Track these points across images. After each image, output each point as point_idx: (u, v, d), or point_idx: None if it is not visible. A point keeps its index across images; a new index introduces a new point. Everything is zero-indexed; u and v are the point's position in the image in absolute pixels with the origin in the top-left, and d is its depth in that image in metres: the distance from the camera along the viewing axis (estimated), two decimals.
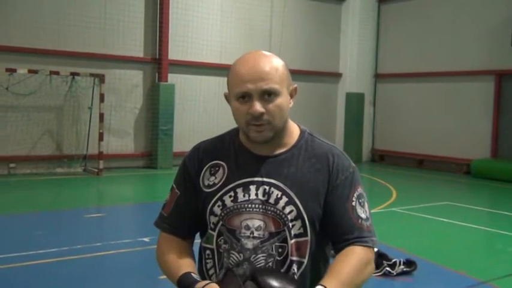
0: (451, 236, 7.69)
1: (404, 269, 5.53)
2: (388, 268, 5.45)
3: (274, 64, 1.70)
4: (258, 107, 1.65)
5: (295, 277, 1.71)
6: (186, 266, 1.74)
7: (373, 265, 1.76)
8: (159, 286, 4.91)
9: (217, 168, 1.79)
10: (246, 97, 1.67)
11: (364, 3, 16.70)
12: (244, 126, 1.71)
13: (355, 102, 16.71)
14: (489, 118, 14.27)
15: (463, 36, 14.70)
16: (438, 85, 15.39)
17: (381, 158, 16.87)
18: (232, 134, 1.85)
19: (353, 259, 1.67)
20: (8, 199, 9.48)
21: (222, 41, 14.51)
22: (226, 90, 1.77)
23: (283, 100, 1.70)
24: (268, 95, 1.66)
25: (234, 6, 14.71)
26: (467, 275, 5.69)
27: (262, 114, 1.66)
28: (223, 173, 1.77)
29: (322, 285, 1.57)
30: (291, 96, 1.77)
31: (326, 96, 16.89)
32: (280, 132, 1.74)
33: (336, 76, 17.11)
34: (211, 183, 1.77)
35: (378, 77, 17.14)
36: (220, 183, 1.76)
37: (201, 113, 14.21)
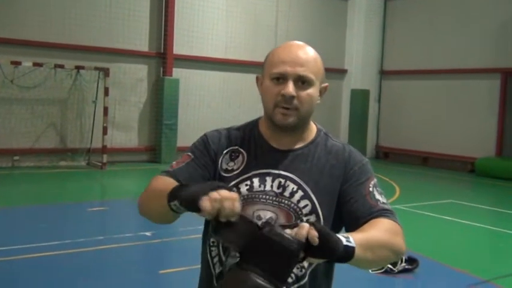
0: (454, 234, 7.67)
1: (406, 267, 5.52)
2: (389, 265, 5.43)
3: (313, 55, 1.77)
4: (291, 89, 1.67)
5: (305, 271, 1.68)
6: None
7: (403, 239, 1.66)
8: (160, 280, 4.89)
9: (237, 154, 1.79)
10: (281, 79, 1.69)
11: (370, 0, 16.64)
12: (271, 107, 1.71)
13: (360, 98, 16.67)
14: (495, 116, 14.21)
15: (469, 33, 14.62)
16: (444, 82, 15.33)
17: (385, 155, 16.84)
18: (253, 124, 1.85)
19: (379, 225, 1.61)
20: (11, 192, 9.51)
21: (228, 36, 14.47)
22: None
23: (315, 92, 1.73)
24: (302, 82, 1.69)
25: (240, 1, 14.67)
26: (469, 274, 5.67)
27: (293, 97, 1.68)
28: (243, 161, 1.78)
29: (344, 236, 1.44)
30: (320, 93, 1.78)
31: (331, 93, 16.78)
32: (302, 125, 1.75)
33: (341, 72, 17.07)
34: (229, 168, 1.77)
35: (383, 73, 17.09)
36: (239, 171, 1.76)
37: (206, 108, 14.19)
